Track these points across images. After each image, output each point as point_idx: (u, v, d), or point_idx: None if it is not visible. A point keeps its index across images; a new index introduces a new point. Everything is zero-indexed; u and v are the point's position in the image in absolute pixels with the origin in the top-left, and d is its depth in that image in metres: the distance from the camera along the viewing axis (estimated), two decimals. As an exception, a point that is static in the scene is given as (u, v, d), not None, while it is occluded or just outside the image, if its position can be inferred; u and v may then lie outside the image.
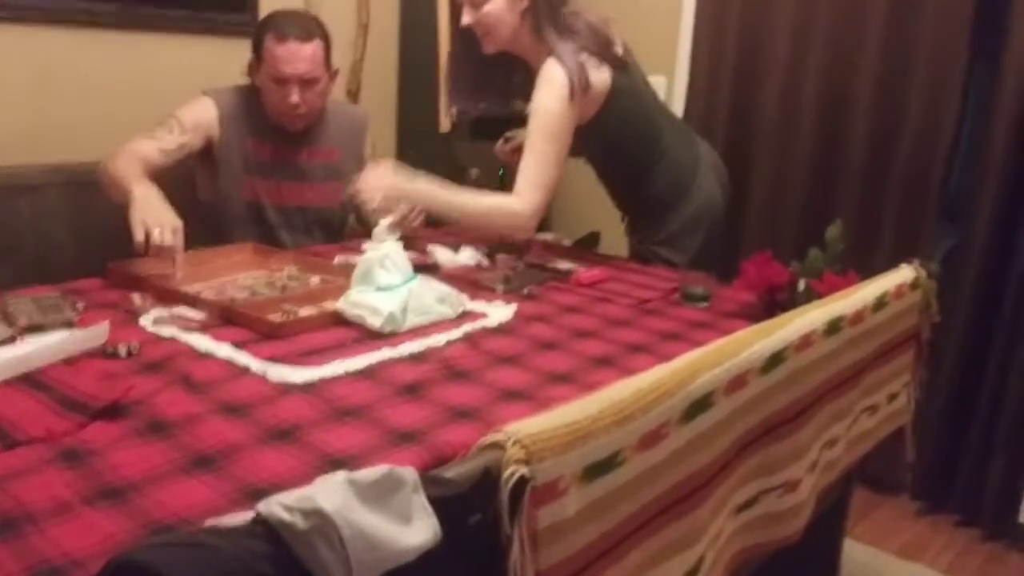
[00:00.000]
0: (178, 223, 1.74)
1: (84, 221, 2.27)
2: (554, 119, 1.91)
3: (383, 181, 1.98)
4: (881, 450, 1.84)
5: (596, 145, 2.11)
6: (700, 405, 1.11)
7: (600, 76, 1.94)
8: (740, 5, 2.85)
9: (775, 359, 1.28)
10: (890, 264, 1.80)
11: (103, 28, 2.46)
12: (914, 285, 1.76)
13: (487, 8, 1.94)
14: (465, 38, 2.06)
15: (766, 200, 2.86)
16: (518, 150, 2.37)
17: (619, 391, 1.00)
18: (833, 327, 1.45)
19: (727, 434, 1.20)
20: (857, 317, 1.53)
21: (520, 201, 1.92)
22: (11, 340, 1.34)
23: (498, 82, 2.13)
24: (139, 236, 1.69)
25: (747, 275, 1.71)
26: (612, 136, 2.04)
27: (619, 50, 2.02)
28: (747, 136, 2.88)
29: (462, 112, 2.17)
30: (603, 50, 1.97)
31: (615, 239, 2.39)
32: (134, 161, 1.91)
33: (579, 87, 1.89)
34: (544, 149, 1.92)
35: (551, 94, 1.90)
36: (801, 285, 1.67)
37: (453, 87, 2.20)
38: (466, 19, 1.98)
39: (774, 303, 1.68)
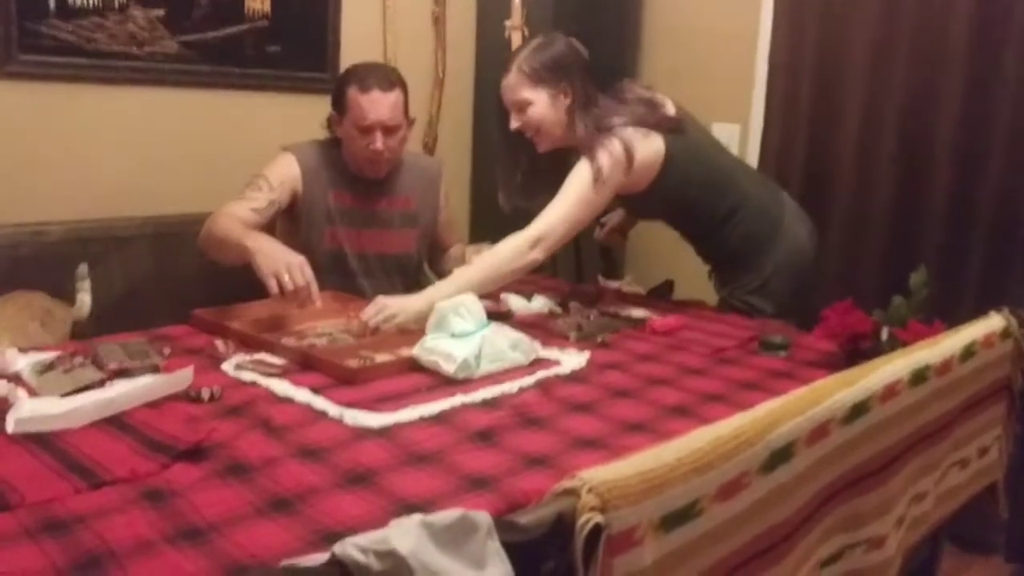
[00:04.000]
0: (302, 259, 1.81)
1: (170, 270, 2.36)
2: (589, 184, 1.92)
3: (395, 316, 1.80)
4: (972, 507, 1.75)
5: (662, 207, 2.14)
6: (781, 455, 1.08)
7: (650, 146, 1.97)
8: (814, 52, 2.83)
9: (858, 409, 1.24)
10: (978, 312, 1.74)
11: (193, 88, 2.58)
12: (1004, 334, 1.69)
13: (531, 111, 2.00)
14: (513, 140, 2.10)
15: (845, 246, 2.80)
16: (615, 230, 2.40)
17: (697, 439, 0.99)
18: (919, 377, 1.40)
19: (809, 486, 1.16)
20: (944, 367, 1.48)
21: (524, 232, 1.91)
22: (100, 383, 1.39)
23: (551, 176, 2.09)
24: (273, 287, 1.76)
25: (828, 323, 1.67)
26: (677, 196, 2.06)
27: (670, 111, 2.05)
28: (824, 182, 2.83)
29: (519, 209, 2.18)
30: (654, 117, 2.00)
31: (689, 288, 2.36)
32: (233, 221, 1.99)
33: (619, 170, 1.92)
34: (570, 195, 1.93)
35: (602, 157, 1.92)
36: (884, 334, 1.63)
37: (507, 187, 2.19)
38: (514, 123, 2.05)
39: (856, 352, 1.64)
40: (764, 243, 2.09)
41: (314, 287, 1.80)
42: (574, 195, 1.93)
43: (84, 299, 1.71)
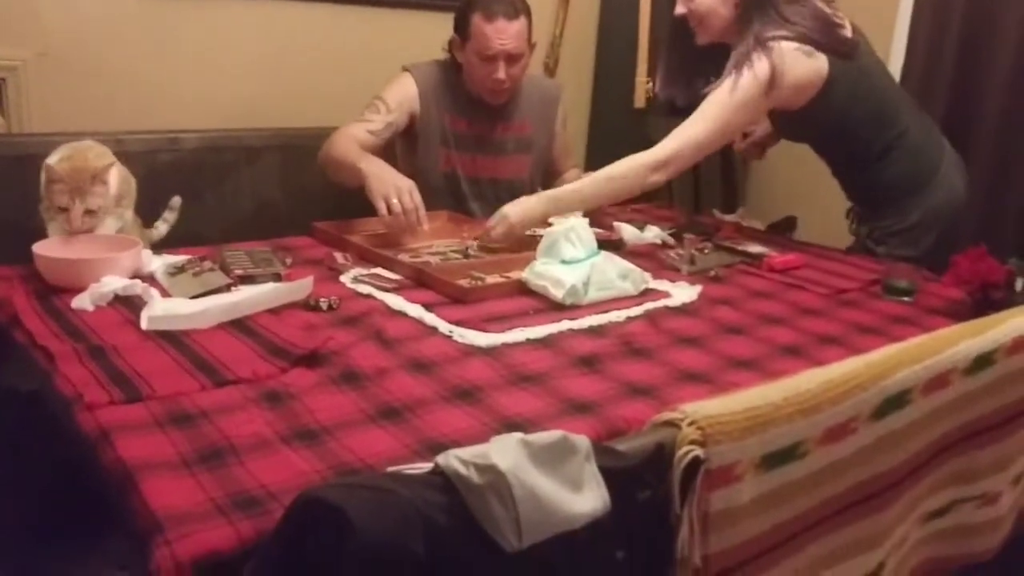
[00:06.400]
0: (411, 183, 1.86)
1: (295, 183, 2.43)
2: (727, 107, 1.85)
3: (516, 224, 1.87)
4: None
5: (814, 132, 2.03)
6: (894, 402, 1.04)
7: (810, 65, 1.86)
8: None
9: (983, 361, 1.18)
10: None
11: (321, 1, 2.61)
12: None
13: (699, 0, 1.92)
14: (677, 25, 2.03)
15: (985, 192, 2.63)
16: (757, 144, 2.30)
17: (806, 380, 0.97)
18: (1054, 332, 1.32)
19: (922, 436, 1.13)
20: (1083, 323, 1.39)
21: (650, 153, 1.87)
22: (226, 288, 1.46)
23: (709, 66, 2.05)
24: (382, 209, 1.81)
25: (958, 269, 1.59)
26: (833, 122, 1.95)
27: (846, 33, 1.92)
28: (966, 124, 2.65)
29: (669, 99, 2.14)
30: (826, 37, 1.88)
31: (811, 231, 2.28)
32: (351, 143, 2.04)
33: (759, 92, 1.84)
34: (705, 114, 1.87)
35: (746, 76, 1.83)
36: (1019, 284, 1.54)
37: (664, 73, 2.15)
38: (679, 8, 1.97)
39: (986, 302, 1.56)
40: (917, 187, 1.97)
41: (422, 211, 1.83)
42: (709, 118, 1.87)
43: (161, 227, 1.76)
